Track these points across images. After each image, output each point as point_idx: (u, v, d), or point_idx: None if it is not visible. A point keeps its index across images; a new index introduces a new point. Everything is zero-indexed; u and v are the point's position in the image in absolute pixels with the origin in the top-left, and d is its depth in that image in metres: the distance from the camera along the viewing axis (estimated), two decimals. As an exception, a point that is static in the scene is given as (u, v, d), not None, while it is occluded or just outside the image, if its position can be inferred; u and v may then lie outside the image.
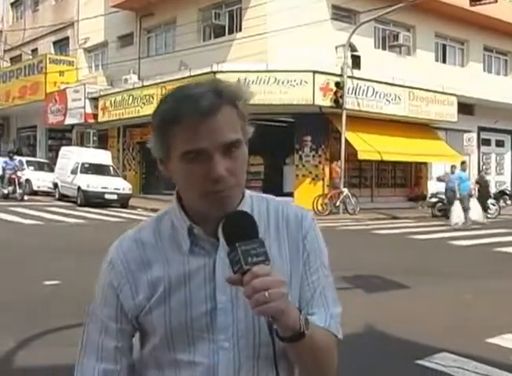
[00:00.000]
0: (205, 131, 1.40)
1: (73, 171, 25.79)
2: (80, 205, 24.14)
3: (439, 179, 24.00)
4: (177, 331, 1.49)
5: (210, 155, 1.40)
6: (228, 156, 1.42)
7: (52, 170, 29.83)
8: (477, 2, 18.75)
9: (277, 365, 1.46)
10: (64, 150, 28.69)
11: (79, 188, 24.70)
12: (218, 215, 1.44)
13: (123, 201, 24.91)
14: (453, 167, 21.71)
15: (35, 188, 28.90)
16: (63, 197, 26.51)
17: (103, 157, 27.47)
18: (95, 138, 30.45)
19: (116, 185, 25.05)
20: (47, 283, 8.92)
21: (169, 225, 1.57)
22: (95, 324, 1.57)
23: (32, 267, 10.41)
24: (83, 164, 25.99)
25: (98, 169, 25.95)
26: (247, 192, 1.58)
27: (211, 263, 1.50)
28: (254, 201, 1.59)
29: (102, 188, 24.38)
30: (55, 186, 27.63)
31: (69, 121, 32.44)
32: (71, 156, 27.11)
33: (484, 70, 33.29)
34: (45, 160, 33.71)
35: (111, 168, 26.95)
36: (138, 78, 29.62)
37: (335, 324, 1.60)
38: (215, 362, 1.48)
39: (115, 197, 24.75)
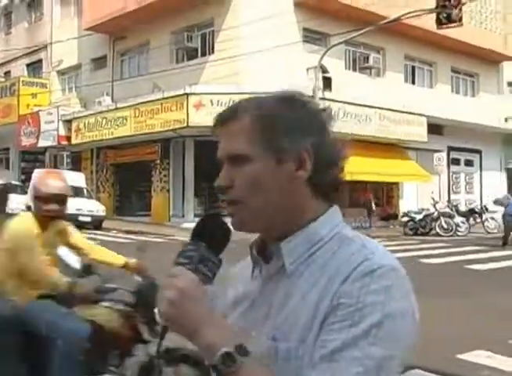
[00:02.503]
0: (221, 139, 1.38)
1: None
2: None
3: (498, 203, 23.98)
4: None
5: (222, 164, 1.38)
6: (235, 169, 1.35)
7: (24, 192, 29.44)
8: (444, 26, 18.93)
9: None
10: (37, 172, 28.09)
11: None
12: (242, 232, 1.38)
13: (96, 223, 24.67)
14: None
15: (8, 211, 28.52)
16: None
17: (77, 179, 26.71)
18: (68, 160, 30.22)
19: (89, 207, 24.85)
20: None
21: None
22: None
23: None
24: None
25: (72, 191, 25.53)
26: (324, 227, 1.35)
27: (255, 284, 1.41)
28: (317, 239, 1.34)
29: (77, 210, 23.88)
30: (29, 208, 27.06)
31: (42, 143, 32.17)
32: None
33: (452, 91, 33.67)
34: (18, 183, 33.32)
35: (85, 190, 26.63)
36: (112, 100, 29.52)
37: None
38: None
39: (89, 219, 24.44)
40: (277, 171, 1.32)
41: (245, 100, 1.41)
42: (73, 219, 23.39)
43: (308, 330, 1.24)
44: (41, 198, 4.34)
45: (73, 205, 23.95)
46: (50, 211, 4.34)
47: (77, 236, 4.81)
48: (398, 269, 1.28)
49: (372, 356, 1.16)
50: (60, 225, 4.65)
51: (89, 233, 21.96)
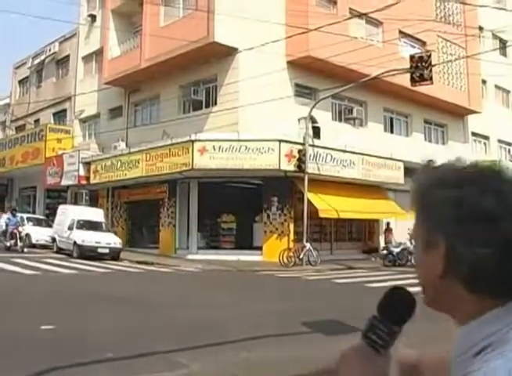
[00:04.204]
0: None
1: (70, 227, 25.12)
2: (74, 258, 23.38)
3: None
4: None
5: None
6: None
7: (49, 225, 29.37)
8: (417, 83, 19.01)
9: None
10: (62, 208, 28.10)
11: (75, 242, 24.03)
12: None
13: (114, 254, 23.99)
14: None
15: (34, 241, 28.32)
16: (60, 250, 25.75)
17: (96, 214, 26.89)
18: (87, 197, 30.28)
19: (108, 240, 24.30)
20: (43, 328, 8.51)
21: None
22: None
23: (30, 312, 9.94)
24: (78, 220, 25.32)
25: (92, 225, 25.29)
26: (480, 330, 1.00)
27: None
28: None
29: (96, 243, 23.76)
30: (54, 240, 26.96)
31: (64, 182, 32.06)
32: (68, 213, 26.47)
33: (425, 139, 33.66)
34: (43, 217, 33.27)
35: (103, 225, 26.27)
36: (126, 145, 29.42)
37: None
38: None
39: (107, 250, 23.84)
40: (425, 258, 1.09)
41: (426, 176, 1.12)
42: (93, 251, 23.26)
43: None
44: None
45: (93, 238, 23.88)
46: None
47: None
48: None
49: None
50: None
51: (105, 263, 21.73)
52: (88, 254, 23.33)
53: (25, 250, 25.45)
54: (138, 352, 7.20)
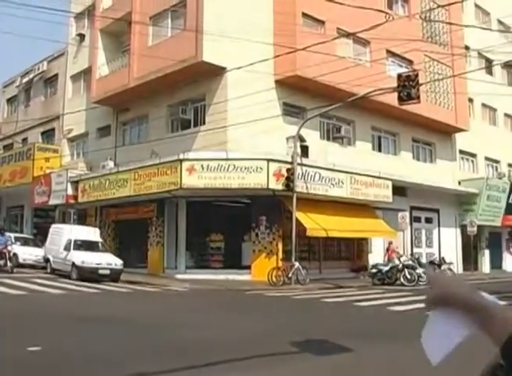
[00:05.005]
0: None
1: (67, 248, 24.21)
2: (73, 279, 22.52)
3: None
4: None
5: None
6: None
7: (36, 245, 29.12)
8: (405, 102, 19.12)
9: None
10: (55, 228, 27.19)
11: (73, 264, 23.02)
12: None
13: (115, 276, 22.85)
14: None
15: (21, 261, 28.07)
16: (54, 271, 24.92)
17: (93, 233, 26.07)
18: (75, 217, 30.15)
19: (108, 260, 23.27)
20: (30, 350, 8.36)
21: None
22: None
23: (17, 333, 9.83)
24: (75, 240, 24.38)
25: (89, 245, 24.41)
26: None
27: None
28: None
29: (97, 264, 22.72)
30: (47, 260, 26.11)
31: (52, 201, 31.88)
32: (63, 232, 25.59)
33: (413, 158, 33.84)
34: (31, 237, 33.09)
35: (100, 244, 25.31)
36: (114, 164, 29.37)
37: None
38: None
39: (107, 272, 22.85)
40: None
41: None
42: (94, 273, 22.47)
43: None
44: None
45: (93, 259, 23.00)
46: None
47: None
48: None
49: None
50: None
51: (95, 283, 21.42)
52: (88, 275, 22.29)
53: (14, 270, 24.91)
54: (125, 374, 7.15)
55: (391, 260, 25.49)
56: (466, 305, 1.08)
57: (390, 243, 27.12)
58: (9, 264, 24.99)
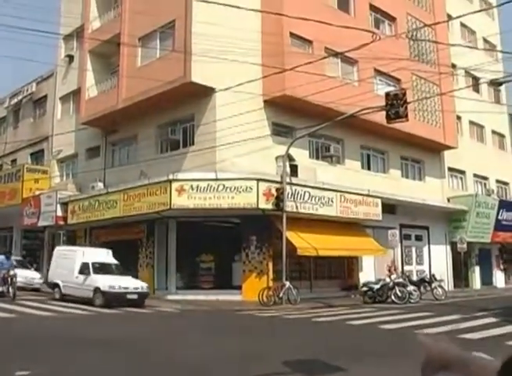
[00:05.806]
0: None
1: (82, 271, 22.15)
2: (98, 306, 20.53)
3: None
4: None
5: None
6: None
7: (25, 267, 28.78)
8: (393, 121, 19.20)
9: None
10: (62, 250, 25.33)
11: (97, 289, 21.04)
12: None
13: (141, 301, 21.21)
14: None
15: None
16: (64, 297, 22.93)
17: (105, 255, 23.94)
18: (64, 238, 29.99)
19: (135, 284, 21.67)
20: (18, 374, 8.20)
21: None
22: None
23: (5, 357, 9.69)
24: (93, 263, 22.33)
25: (107, 268, 22.54)
26: None
27: None
28: None
29: (124, 288, 20.96)
30: (55, 286, 23.87)
31: (42, 222, 31.65)
32: (74, 255, 23.41)
33: (402, 175, 33.93)
34: (20, 258, 32.71)
35: (115, 266, 23.22)
36: (104, 186, 29.28)
37: None
38: None
39: (135, 296, 21.12)
40: None
41: None
42: (121, 298, 20.61)
43: None
44: None
45: (119, 283, 21.17)
46: None
47: None
48: None
49: None
50: None
51: (84, 305, 21.14)
52: (115, 301, 20.51)
53: (16, 298, 22.76)
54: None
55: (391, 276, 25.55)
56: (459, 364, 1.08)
57: (392, 262, 27.05)
58: (11, 290, 23.24)
